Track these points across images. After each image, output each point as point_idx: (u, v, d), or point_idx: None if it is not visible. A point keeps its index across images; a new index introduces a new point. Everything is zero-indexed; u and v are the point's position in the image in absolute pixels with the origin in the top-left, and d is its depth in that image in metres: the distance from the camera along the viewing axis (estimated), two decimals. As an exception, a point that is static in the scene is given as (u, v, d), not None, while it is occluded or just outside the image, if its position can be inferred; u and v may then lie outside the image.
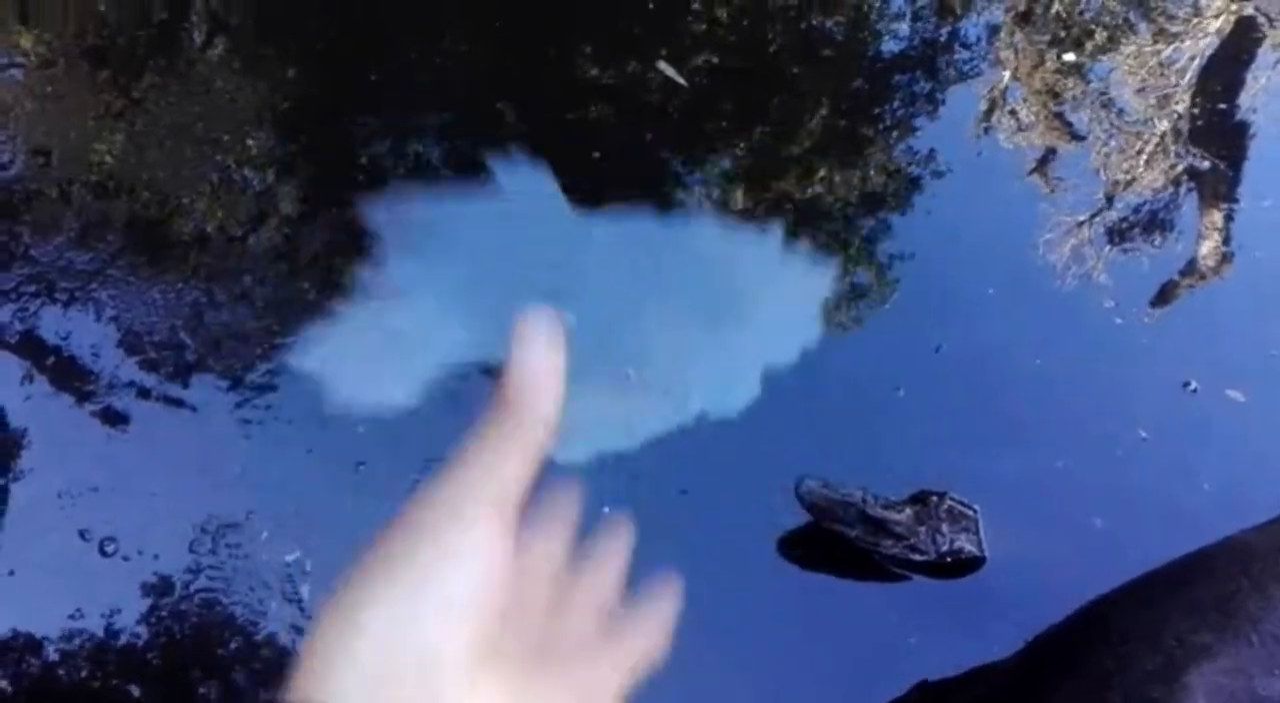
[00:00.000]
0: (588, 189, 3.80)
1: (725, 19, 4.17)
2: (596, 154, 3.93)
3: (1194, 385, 3.70)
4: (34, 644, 3.11)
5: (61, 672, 3.08)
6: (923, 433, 3.58)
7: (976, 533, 3.26)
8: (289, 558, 3.23)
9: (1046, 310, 3.91)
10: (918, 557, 3.18)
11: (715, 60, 4.05)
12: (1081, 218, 3.99)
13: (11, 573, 3.17)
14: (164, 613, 3.15)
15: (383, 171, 3.84)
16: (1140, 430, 3.65)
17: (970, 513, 3.29)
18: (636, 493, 3.33)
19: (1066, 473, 3.56)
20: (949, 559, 3.20)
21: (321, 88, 3.96)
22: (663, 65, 3.79)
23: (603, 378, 1.08)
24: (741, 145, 3.95)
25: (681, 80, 3.80)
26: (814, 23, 4.21)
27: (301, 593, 3.20)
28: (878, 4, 4.36)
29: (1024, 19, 4.40)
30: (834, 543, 3.21)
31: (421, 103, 3.97)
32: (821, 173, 3.85)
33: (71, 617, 3.15)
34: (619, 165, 3.89)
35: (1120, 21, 4.47)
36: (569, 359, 0.87)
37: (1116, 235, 4.01)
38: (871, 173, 3.98)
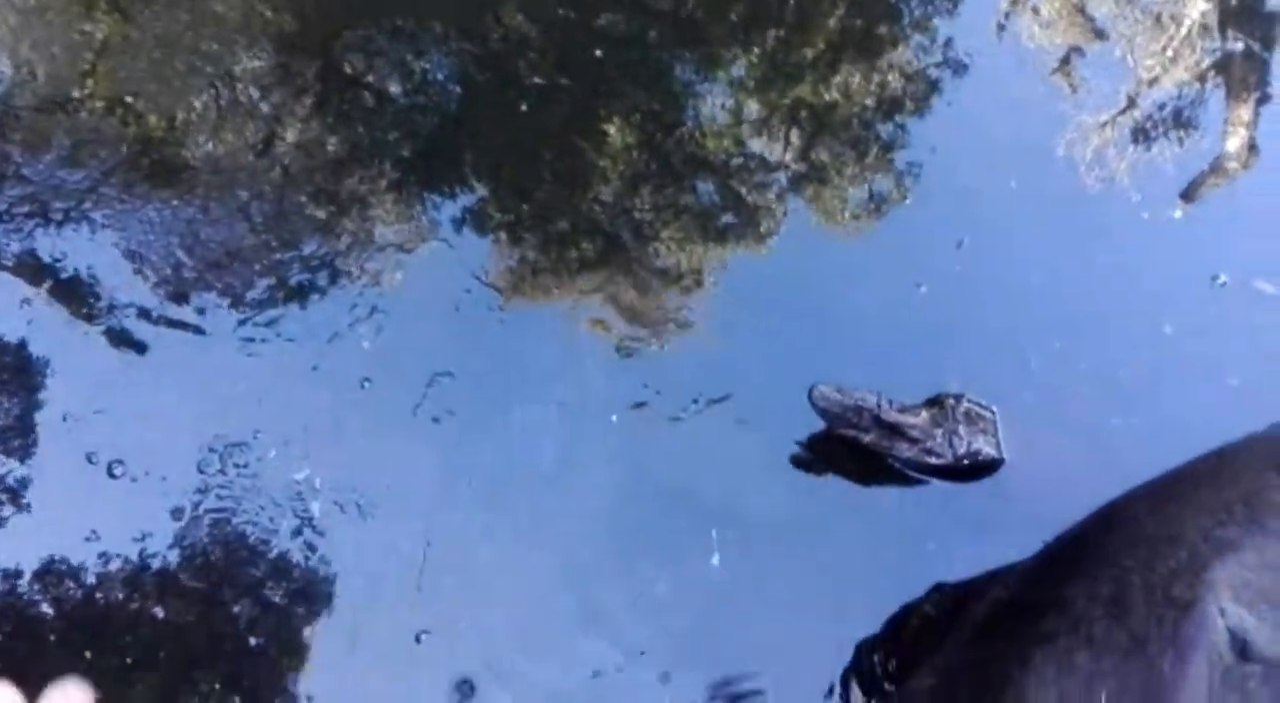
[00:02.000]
0: (594, 94, 3.69)
1: None
2: (599, 52, 3.78)
3: (1223, 279, 3.58)
4: (48, 568, 3.11)
5: (77, 594, 3.08)
6: (942, 333, 3.48)
7: (994, 435, 3.18)
8: (297, 477, 3.21)
9: (1070, 206, 3.77)
10: (934, 460, 3.12)
11: None
12: (1105, 116, 3.84)
13: (20, 497, 3.16)
14: (174, 534, 3.14)
15: (382, 81, 3.72)
16: (1165, 326, 3.54)
17: (988, 415, 3.21)
18: (644, 400, 3.28)
19: (1088, 372, 3.46)
20: (966, 462, 3.14)
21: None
22: None
23: None
24: (755, 49, 3.81)
25: None
26: None
27: (311, 511, 3.18)
28: None
29: None
30: (849, 449, 3.15)
31: (420, 8, 3.81)
32: (838, 77, 3.73)
33: (87, 539, 3.15)
34: (625, 70, 3.76)
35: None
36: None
37: (1142, 132, 3.85)
38: (890, 76, 3.83)
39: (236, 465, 3.22)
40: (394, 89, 3.64)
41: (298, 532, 3.14)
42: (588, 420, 3.26)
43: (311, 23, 3.75)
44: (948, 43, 3.97)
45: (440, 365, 3.32)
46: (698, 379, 3.34)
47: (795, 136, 3.69)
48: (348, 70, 3.69)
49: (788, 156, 3.67)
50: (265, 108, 3.64)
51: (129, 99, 3.62)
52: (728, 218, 3.62)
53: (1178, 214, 3.77)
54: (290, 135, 3.59)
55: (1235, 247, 3.64)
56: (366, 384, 3.32)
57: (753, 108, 3.72)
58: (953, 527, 3.16)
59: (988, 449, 3.15)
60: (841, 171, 3.72)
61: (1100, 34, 4.05)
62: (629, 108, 3.65)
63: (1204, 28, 4.11)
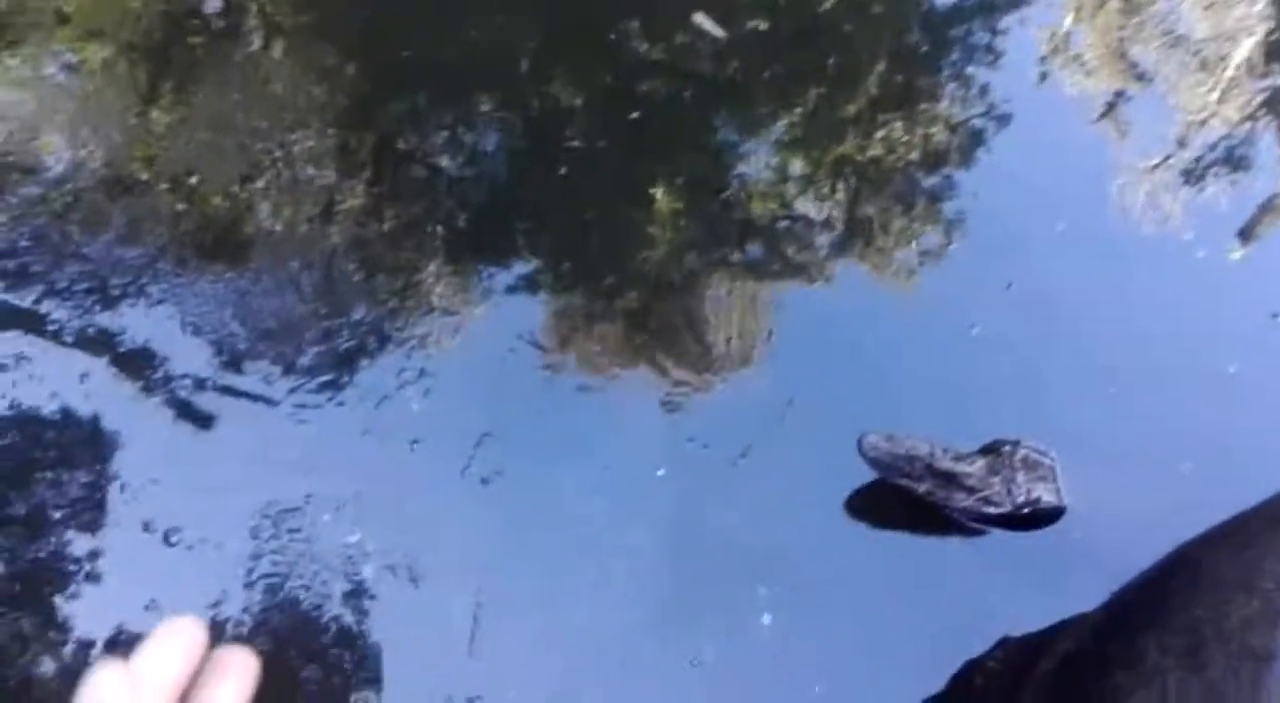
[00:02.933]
0: (637, 158, 3.70)
1: None
2: (639, 116, 3.82)
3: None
4: (113, 638, 3.14)
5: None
6: (995, 376, 3.42)
7: (1054, 482, 3.09)
8: (350, 540, 3.21)
9: (1123, 246, 3.70)
10: (992, 510, 3.03)
11: (765, 25, 3.92)
12: (1155, 160, 3.78)
13: (83, 568, 3.21)
14: (230, 600, 3.16)
15: (434, 155, 3.78)
16: (1228, 366, 3.44)
17: (1047, 461, 3.12)
18: (692, 456, 3.25)
19: (1150, 414, 3.36)
20: (1026, 511, 3.05)
21: (366, 73, 3.87)
22: (698, 19, 3.66)
23: None
24: (797, 109, 3.82)
25: (720, 32, 3.66)
26: None
27: (363, 574, 3.18)
28: None
29: None
30: (904, 500, 3.08)
31: (465, 83, 3.86)
32: (881, 132, 3.72)
33: (146, 608, 3.17)
34: (667, 133, 3.78)
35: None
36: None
37: (1193, 174, 3.78)
38: (933, 128, 3.82)
39: (290, 531, 3.24)
40: (444, 161, 3.70)
41: (350, 596, 3.14)
42: (634, 477, 3.23)
43: (363, 100, 3.83)
44: (989, 92, 3.96)
45: (487, 426, 3.33)
46: (745, 432, 3.31)
47: (841, 192, 3.70)
48: (400, 145, 3.75)
49: (834, 212, 3.67)
50: (319, 183, 3.72)
51: (187, 178, 3.73)
52: (775, 272, 3.61)
53: (1235, 254, 3.68)
54: (344, 208, 3.67)
55: (1296, 284, 3.55)
56: (416, 445, 3.33)
57: (797, 165, 3.72)
58: (1015, 579, 3.06)
59: (1048, 497, 3.06)
60: (888, 224, 3.70)
61: (1144, 77, 4.01)
62: (672, 171, 3.66)
63: (1250, 66, 4.05)
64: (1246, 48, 4.04)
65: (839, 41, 3.93)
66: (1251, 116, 3.93)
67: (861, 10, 4.00)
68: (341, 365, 3.47)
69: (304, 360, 3.50)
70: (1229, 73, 3.96)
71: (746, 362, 3.54)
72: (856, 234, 3.68)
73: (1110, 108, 3.82)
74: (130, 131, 3.67)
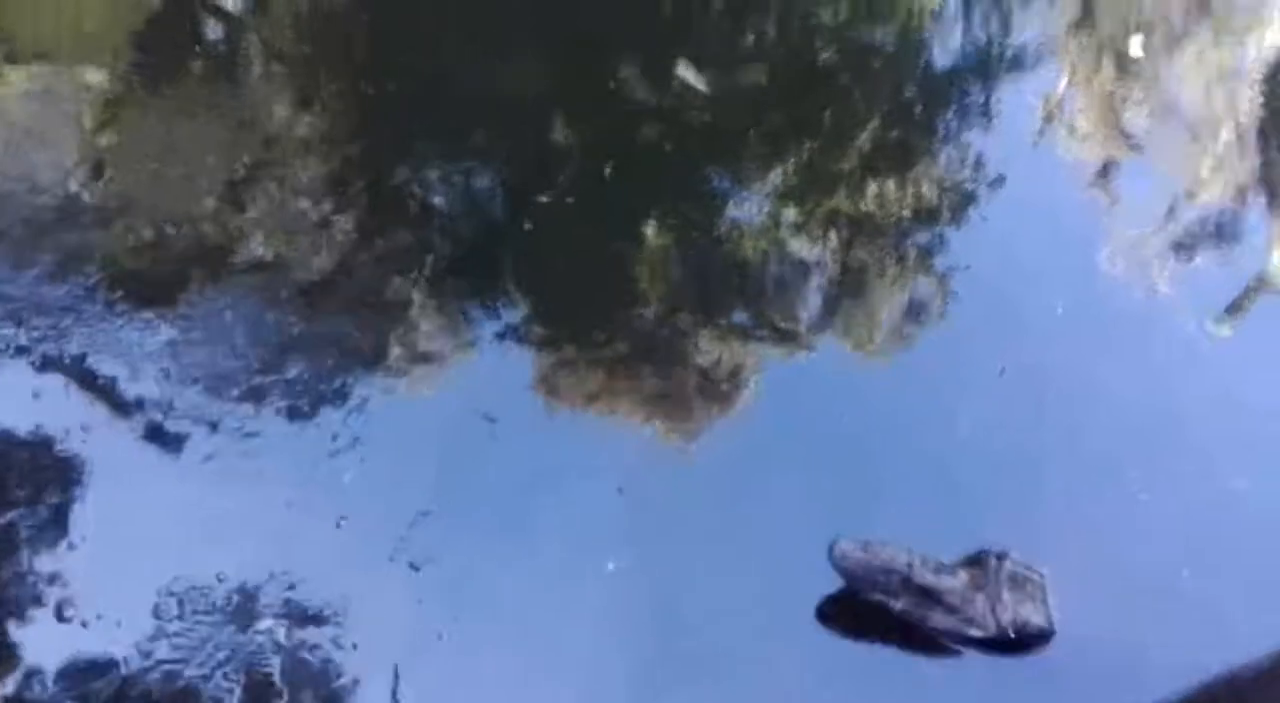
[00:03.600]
0: (631, 205, 3.45)
1: (770, 33, 3.94)
2: (638, 164, 3.59)
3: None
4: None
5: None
6: (983, 470, 3.14)
7: (1044, 602, 2.80)
8: (260, 627, 2.88)
9: (1120, 330, 3.44)
10: (975, 632, 2.73)
11: (762, 78, 3.80)
12: (1146, 229, 3.61)
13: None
14: (119, 687, 2.82)
15: (426, 192, 3.49)
16: (1237, 475, 3.16)
17: (1036, 577, 2.83)
18: (647, 548, 2.94)
19: (1149, 522, 3.08)
20: (1012, 634, 2.75)
21: (363, 107, 3.66)
22: (682, 69, 3.43)
23: None
24: (790, 161, 3.65)
25: (702, 85, 3.44)
26: (861, 34, 3.95)
27: (272, 669, 2.85)
28: (928, 13, 4.07)
29: (1080, 24, 3.97)
30: (879, 614, 2.77)
31: (465, 126, 3.64)
32: (873, 188, 3.58)
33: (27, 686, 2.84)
34: (662, 181, 3.60)
35: (1180, 22, 4.08)
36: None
37: (1184, 246, 3.62)
38: (926, 187, 3.64)
39: (196, 612, 2.91)
40: (436, 200, 3.47)
41: (254, 693, 2.81)
42: (582, 571, 2.92)
43: (358, 136, 3.57)
44: (983, 155, 3.75)
45: (425, 504, 3.03)
46: (707, 522, 3.01)
47: (831, 253, 3.49)
48: (393, 181, 3.49)
49: (823, 277, 3.46)
50: (308, 217, 3.41)
51: (161, 206, 3.39)
52: (757, 341, 3.36)
53: (1233, 340, 3.42)
54: (336, 238, 3.36)
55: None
56: (343, 522, 3.02)
57: (787, 219, 3.52)
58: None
59: (1036, 619, 2.76)
60: (877, 294, 3.48)
61: (1137, 146, 3.79)
62: (666, 216, 3.46)
63: (1242, 137, 3.83)
64: (1237, 120, 3.87)
65: (834, 95, 3.80)
66: (1241, 190, 3.75)
67: (858, 65, 3.88)
68: (270, 426, 3.17)
69: (229, 418, 3.19)
70: (1220, 146, 3.83)
71: (715, 444, 3.25)
72: (843, 303, 3.45)
73: (1103, 175, 3.69)
74: (121, 155, 3.46)
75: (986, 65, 3.94)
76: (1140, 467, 3.14)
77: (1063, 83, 3.87)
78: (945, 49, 3.98)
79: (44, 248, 3.35)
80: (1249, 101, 3.93)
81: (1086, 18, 4.12)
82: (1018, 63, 3.98)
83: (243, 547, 2.98)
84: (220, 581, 2.95)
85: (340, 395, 3.22)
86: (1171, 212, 3.60)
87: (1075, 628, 2.82)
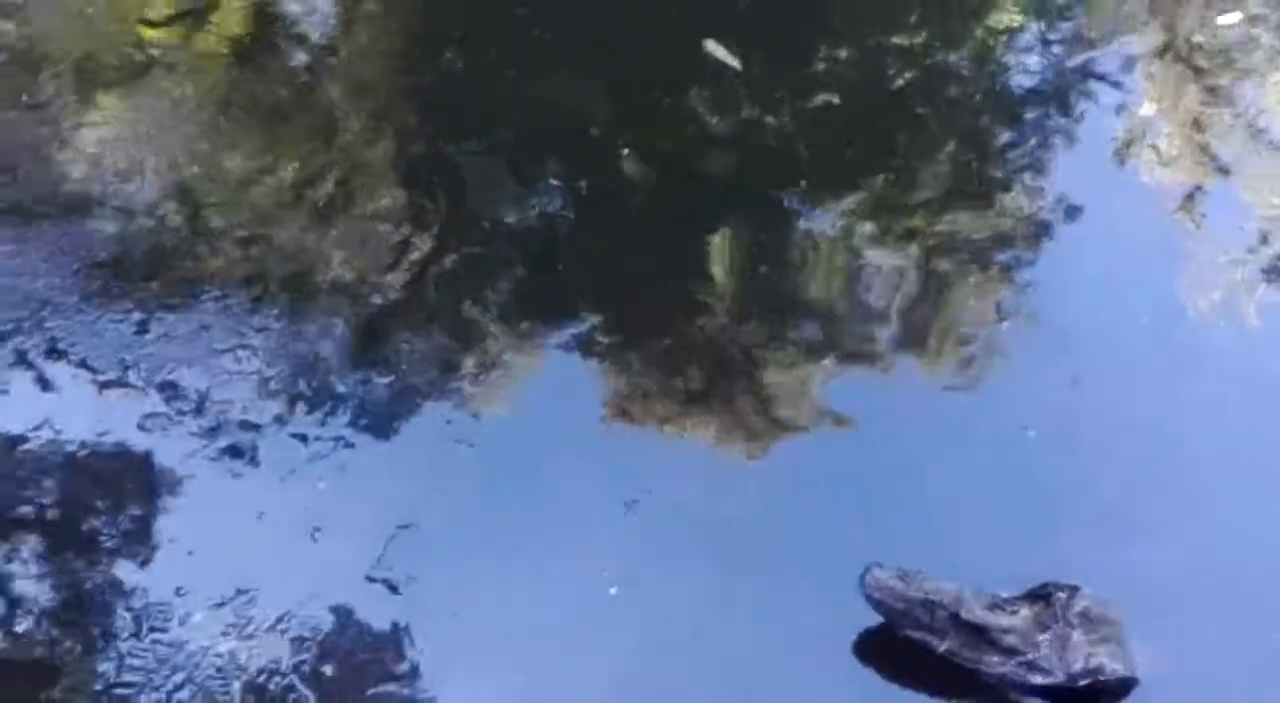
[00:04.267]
0: (699, 230, 3.28)
1: (846, 58, 3.75)
2: (704, 190, 3.40)
3: None
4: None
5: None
6: (1048, 500, 2.74)
7: (1121, 644, 2.37)
8: (221, 649, 2.57)
9: (1211, 355, 3.07)
10: (1040, 679, 2.31)
11: (836, 100, 3.58)
12: (1232, 256, 3.29)
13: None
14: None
15: (498, 215, 3.33)
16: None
17: (1113, 616, 2.40)
18: (655, 574, 2.58)
19: (1245, 558, 2.66)
20: (1083, 682, 2.32)
21: (437, 131, 3.53)
22: (710, 46, 3.13)
23: None
24: (867, 187, 3.45)
25: (734, 61, 3.14)
26: (938, 59, 3.75)
27: (232, 695, 2.53)
28: (1005, 39, 3.86)
29: (1164, 48, 3.79)
30: (922, 657, 2.36)
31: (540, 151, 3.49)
32: (949, 216, 3.36)
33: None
34: (731, 207, 3.39)
35: (1267, 45, 3.77)
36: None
37: (1273, 273, 3.28)
38: (1003, 216, 3.39)
39: (154, 630, 2.62)
40: (509, 220, 3.32)
41: (209, 719, 2.50)
42: (581, 595, 2.58)
43: (430, 158, 3.47)
44: (1062, 181, 3.44)
45: (405, 517, 2.72)
46: (727, 546, 2.66)
47: (904, 275, 3.24)
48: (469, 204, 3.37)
49: (894, 299, 3.20)
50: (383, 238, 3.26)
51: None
52: (827, 361, 3.08)
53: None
54: (413, 257, 3.21)
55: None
56: (318, 535, 2.72)
57: (860, 242, 3.30)
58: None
59: (1113, 664, 2.35)
60: (950, 315, 3.19)
61: (1224, 171, 3.48)
62: (734, 244, 3.29)
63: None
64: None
65: (909, 119, 3.59)
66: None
67: (934, 91, 3.67)
68: (240, 428, 2.87)
69: (201, 420, 2.90)
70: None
71: (742, 454, 2.90)
72: (914, 325, 3.17)
73: (1187, 201, 3.41)
74: (207, 178, 3.37)
75: (1065, 86, 3.73)
76: (1234, 501, 2.78)
77: (1147, 106, 3.65)
78: (1022, 71, 3.78)
79: (132, 271, 3.18)
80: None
81: (1169, 37, 3.83)
82: (1098, 83, 3.75)
83: (205, 561, 2.70)
84: (179, 597, 2.64)
85: (320, 397, 2.95)
86: (1261, 239, 3.32)
87: (1159, 676, 2.38)
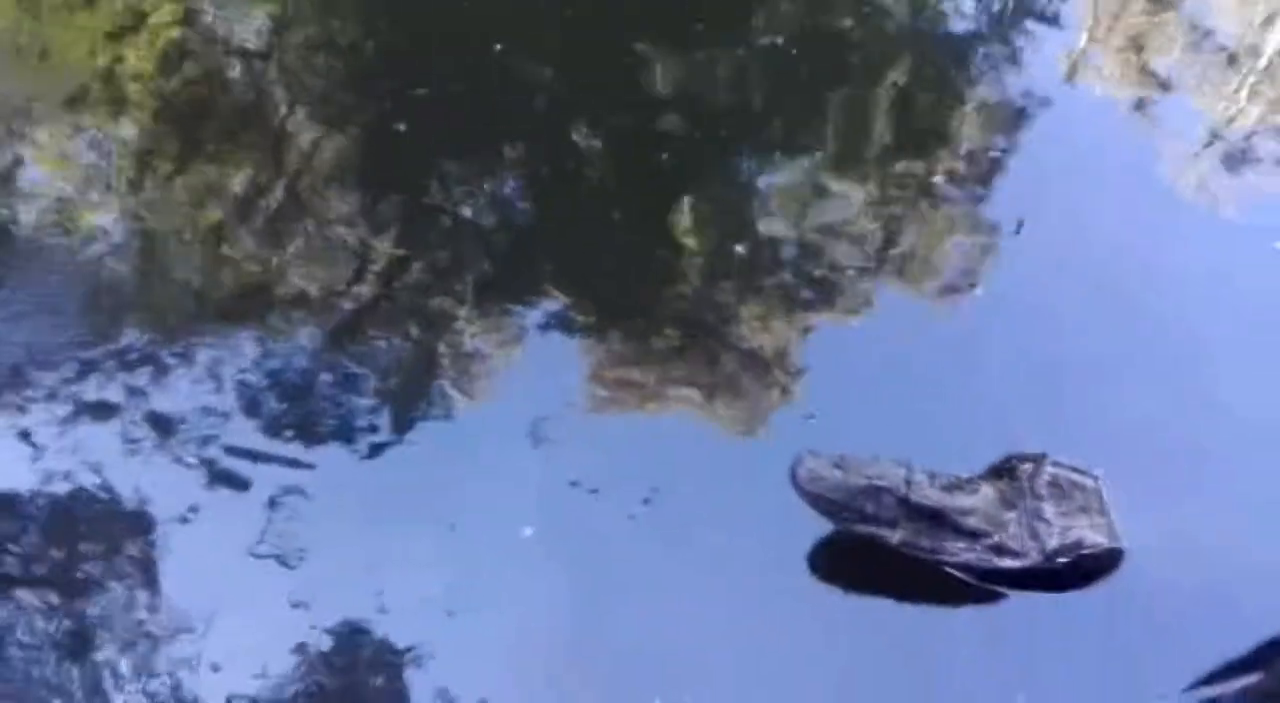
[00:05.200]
0: (662, 193, 3.13)
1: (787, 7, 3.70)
2: (664, 156, 3.23)
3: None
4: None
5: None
6: (1010, 356, 2.51)
7: (1102, 512, 2.07)
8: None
9: (1179, 237, 2.93)
10: (1010, 562, 2.02)
11: (781, 53, 3.50)
12: (1192, 147, 3.24)
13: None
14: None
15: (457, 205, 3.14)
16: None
17: (1089, 483, 2.11)
18: (573, 507, 2.28)
19: (1230, 401, 2.42)
20: (1062, 560, 2.01)
21: (388, 133, 3.34)
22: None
23: None
24: (819, 136, 3.33)
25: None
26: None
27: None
28: None
29: None
30: (876, 555, 2.05)
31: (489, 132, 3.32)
32: (906, 154, 3.29)
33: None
34: (691, 168, 3.25)
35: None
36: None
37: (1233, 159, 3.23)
38: (958, 144, 3.32)
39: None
40: (467, 212, 3.13)
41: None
42: (490, 537, 2.31)
43: (385, 159, 3.30)
44: (1017, 97, 3.38)
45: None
46: (651, 468, 2.37)
47: (868, 217, 3.14)
48: (426, 200, 3.18)
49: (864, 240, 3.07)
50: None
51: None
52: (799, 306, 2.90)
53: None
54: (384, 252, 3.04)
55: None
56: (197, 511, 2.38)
57: (821, 192, 3.18)
58: (1055, 663, 2.02)
59: (1094, 536, 2.06)
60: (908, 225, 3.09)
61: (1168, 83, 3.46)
62: (698, 202, 3.13)
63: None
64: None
65: (855, 68, 3.53)
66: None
67: (878, 32, 3.62)
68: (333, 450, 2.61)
69: (288, 448, 2.62)
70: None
71: (659, 357, 2.72)
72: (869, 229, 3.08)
73: (1136, 110, 3.37)
74: (159, 199, 3.19)
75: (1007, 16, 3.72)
76: (1207, 343, 2.62)
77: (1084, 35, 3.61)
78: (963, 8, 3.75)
79: (85, 297, 2.96)
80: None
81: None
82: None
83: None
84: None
85: (397, 412, 2.70)
86: (1212, 138, 3.27)
87: (1150, 543, 2.09)
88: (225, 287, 2.98)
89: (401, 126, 3.32)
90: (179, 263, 3.02)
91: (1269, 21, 3.64)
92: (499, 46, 3.45)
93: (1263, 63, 3.52)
